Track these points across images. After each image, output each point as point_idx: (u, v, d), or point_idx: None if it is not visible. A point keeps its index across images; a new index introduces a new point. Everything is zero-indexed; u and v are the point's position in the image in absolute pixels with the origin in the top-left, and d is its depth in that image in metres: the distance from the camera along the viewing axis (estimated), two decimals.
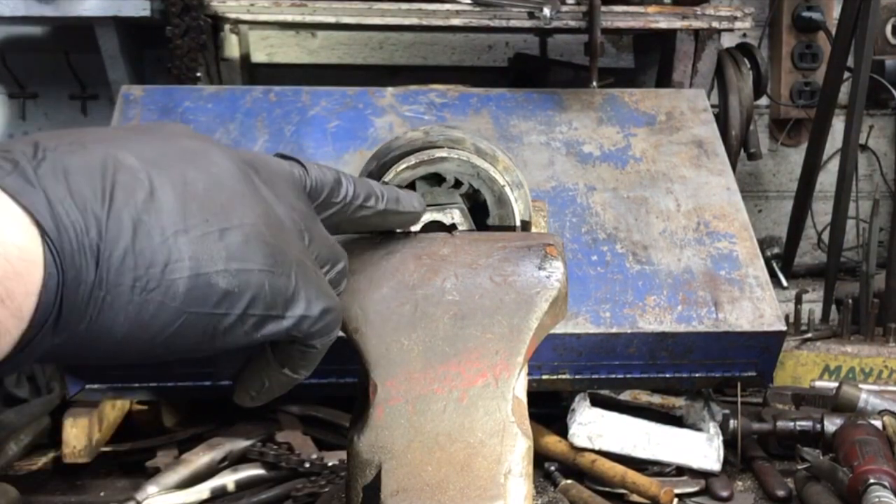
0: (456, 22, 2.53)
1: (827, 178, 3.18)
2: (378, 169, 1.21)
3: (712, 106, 2.54)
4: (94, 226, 0.77)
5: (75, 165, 0.79)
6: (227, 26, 2.54)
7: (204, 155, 0.91)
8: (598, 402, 1.92)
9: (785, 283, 3.11)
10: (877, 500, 1.52)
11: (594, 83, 2.48)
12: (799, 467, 1.79)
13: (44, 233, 0.74)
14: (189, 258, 0.83)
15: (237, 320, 0.88)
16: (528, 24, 2.53)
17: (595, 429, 1.81)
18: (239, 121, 2.24)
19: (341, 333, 1.10)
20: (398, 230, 1.20)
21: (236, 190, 0.90)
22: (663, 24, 2.60)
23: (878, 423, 1.85)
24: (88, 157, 0.81)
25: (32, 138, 0.81)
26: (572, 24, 2.51)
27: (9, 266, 0.71)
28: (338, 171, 1.06)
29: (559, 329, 1.65)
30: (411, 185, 1.22)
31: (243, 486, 1.77)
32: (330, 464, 1.79)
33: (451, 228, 1.22)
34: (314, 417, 2.00)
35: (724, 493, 1.75)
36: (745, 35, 3.13)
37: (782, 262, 3.16)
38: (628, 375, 1.93)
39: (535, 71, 3.03)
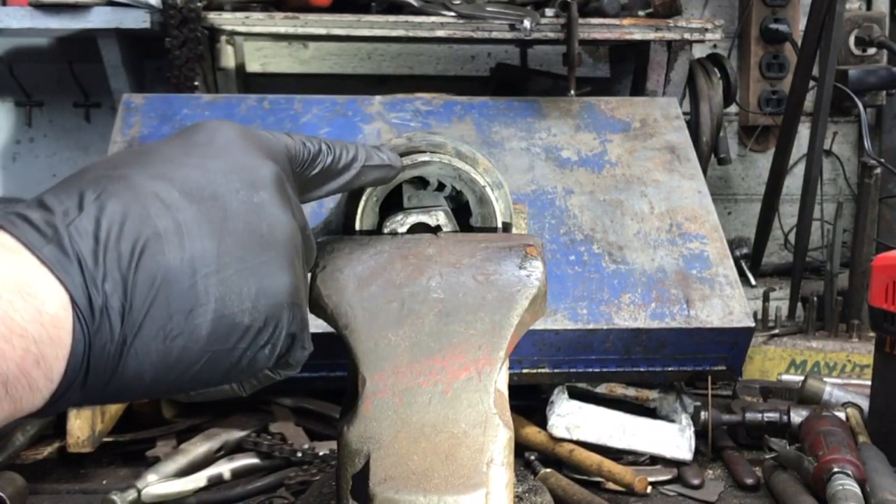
0: (441, 33, 2.53)
1: (793, 182, 3.19)
2: None
3: (684, 113, 2.55)
4: (121, 286, 0.77)
5: (113, 215, 0.78)
6: (223, 38, 2.54)
7: (251, 175, 0.88)
8: (575, 394, 1.92)
9: (753, 281, 3.11)
10: (840, 487, 1.52)
11: (572, 92, 2.49)
12: (767, 457, 1.80)
13: (74, 303, 0.74)
14: (215, 300, 0.81)
15: (260, 351, 0.87)
16: (509, 35, 2.53)
17: (573, 420, 1.81)
18: None
19: (331, 330, 1.11)
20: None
21: (277, 216, 0.88)
22: (638, 35, 2.60)
23: (841, 415, 1.86)
24: (129, 197, 0.80)
25: (80, 182, 0.80)
26: (551, 35, 2.52)
27: (44, 332, 0.72)
28: (320, 140, 1.03)
29: (539, 325, 1.65)
30: (398, 188, 1.22)
31: (238, 475, 1.77)
32: (321, 453, 1.79)
33: (436, 230, 1.21)
34: (306, 409, 2.00)
35: (696, 481, 1.75)
36: (715, 46, 3.13)
37: (750, 261, 3.16)
38: (604, 369, 1.93)
39: (515, 80, 3.03)
